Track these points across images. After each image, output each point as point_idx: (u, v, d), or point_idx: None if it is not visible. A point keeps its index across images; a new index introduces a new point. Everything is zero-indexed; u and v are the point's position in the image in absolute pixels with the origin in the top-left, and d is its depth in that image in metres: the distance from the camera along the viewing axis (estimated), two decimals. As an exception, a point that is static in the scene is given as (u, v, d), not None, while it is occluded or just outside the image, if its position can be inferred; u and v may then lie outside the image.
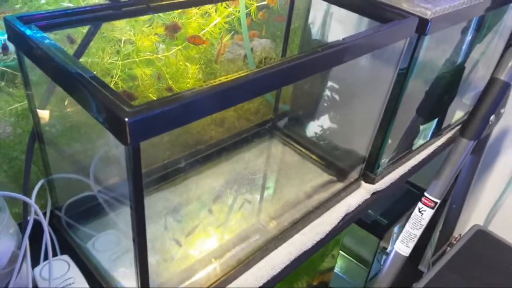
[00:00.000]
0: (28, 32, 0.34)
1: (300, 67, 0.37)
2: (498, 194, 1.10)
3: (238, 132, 0.69)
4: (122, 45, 0.51)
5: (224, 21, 0.57)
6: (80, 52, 0.41)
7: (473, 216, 1.18)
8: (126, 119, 0.26)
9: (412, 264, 1.35)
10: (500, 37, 0.77)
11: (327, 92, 0.69)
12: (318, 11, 0.66)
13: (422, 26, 0.51)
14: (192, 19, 0.54)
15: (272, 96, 0.73)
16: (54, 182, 0.47)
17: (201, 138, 0.65)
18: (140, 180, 0.29)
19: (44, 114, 0.43)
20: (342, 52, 0.41)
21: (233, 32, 0.65)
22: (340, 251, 1.18)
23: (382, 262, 1.27)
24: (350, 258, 1.22)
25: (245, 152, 0.69)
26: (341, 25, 0.65)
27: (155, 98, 0.53)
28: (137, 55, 0.52)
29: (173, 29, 0.50)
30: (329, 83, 0.68)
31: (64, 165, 0.47)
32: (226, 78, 0.32)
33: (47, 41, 0.34)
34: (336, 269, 1.24)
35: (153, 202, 0.57)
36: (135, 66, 0.53)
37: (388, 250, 1.28)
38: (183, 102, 0.29)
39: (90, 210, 0.50)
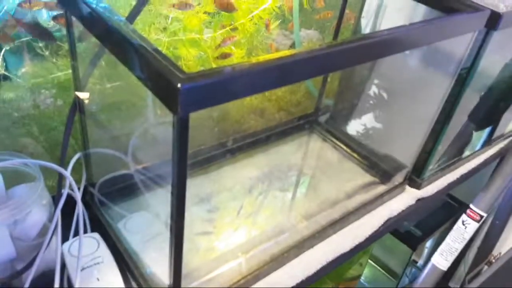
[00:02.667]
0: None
1: (361, 49, 0.34)
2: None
3: (277, 124, 0.66)
4: (169, 22, 0.49)
5: (275, 5, 0.54)
6: (130, 20, 0.39)
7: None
8: (179, 85, 0.24)
9: (441, 279, 1.28)
10: None
11: (375, 89, 0.65)
12: (372, 3, 0.63)
13: (493, 20, 0.46)
14: (242, 0, 0.52)
15: (316, 89, 0.69)
16: (91, 157, 0.46)
17: (240, 127, 0.63)
18: (185, 154, 0.27)
19: (87, 86, 0.41)
20: (406, 37, 0.38)
21: (281, 20, 0.62)
22: (369, 260, 1.13)
23: (410, 276, 1.22)
24: (379, 268, 1.17)
25: (283, 145, 0.66)
26: (398, 17, 0.61)
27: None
28: (184, 33, 0.50)
29: (225, 7, 0.48)
30: (378, 80, 0.65)
31: (102, 141, 0.46)
32: (285, 53, 0.29)
33: (100, 3, 0.32)
34: (362, 279, 1.19)
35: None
36: (181, 45, 0.51)
37: (418, 264, 1.22)
38: (239, 74, 0.26)
39: (125, 189, 0.48)
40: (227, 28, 0.53)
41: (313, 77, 0.34)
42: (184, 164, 0.28)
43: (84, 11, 0.32)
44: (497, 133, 0.74)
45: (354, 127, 0.69)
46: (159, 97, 0.26)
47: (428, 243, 1.16)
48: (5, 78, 0.45)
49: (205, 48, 0.52)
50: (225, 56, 0.54)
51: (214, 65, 0.54)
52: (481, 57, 0.50)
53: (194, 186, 0.57)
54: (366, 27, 0.64)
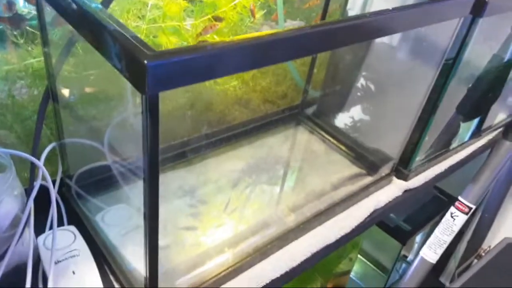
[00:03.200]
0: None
1: (345, 30, 0.33)
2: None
3: (263, 115, 0.65)
4: (148, 9, 0.48)
5: (258, -7, 0.53)
6: (105, 5, 0.37)
7: (504, 228, 1.11)
8: (146, 62, 0.22)
9: (432, 274, 1.28)
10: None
11: (362, 81, 0.64)
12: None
13: (479, 6, 0.46)
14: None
15: (302, 80, 0.68)
16: (67, 148, 0.44)
17: (224, 118, 0.62)
18: (157, 138, 0.26)
19: (62, 74, 0.40)
20: (390, 21, 0.37)
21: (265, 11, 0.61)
22: (358, 255, 1.12)
23: (400, 271, 1.21)
24: (368, 263, 1.17)
25: (269, 137, 0.65)
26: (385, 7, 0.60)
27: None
28: (163, 21, 0.48)
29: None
30: (364, 72, 0.64)
31: (78, 131, 0.44)
32: (260, 34, 0.28)
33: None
34: (352, 274, 1.18)
35: (169, 180, 0.54)
36: (161, 33, 0.49)
37: (408, 259, 1.21)
38: (210, 52, 0.25)
39: (103, 182, 0.47)
40: (209, 16, 0.51)
41: (292, 59, 0.33)
42: (156, 149, 0.27)
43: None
44: (485, 124, 0.73)
45: (340, 119, 0.68)
46: (127, 77, 0.25)
47: (418, 238, 1.16)
48: (-23, 66, 0.44)
49: (186, 37, 0.51)
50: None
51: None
52: (466, 46, 0.50)
53: (178, 178, 0.56)
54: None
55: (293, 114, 0.69)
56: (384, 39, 0.59)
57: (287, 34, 0.29)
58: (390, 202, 0.57)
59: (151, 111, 0.24)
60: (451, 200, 1.03)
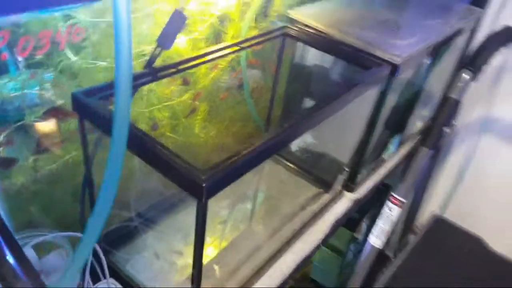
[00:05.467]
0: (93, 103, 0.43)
1: (302, 127, 0.48)
2: (449, 187, 1.28)
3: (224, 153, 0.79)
4: (146, 93, 0.59)
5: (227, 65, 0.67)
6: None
7: (430, 206, 1.36)
8: (204, 185, 0.36)
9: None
10: (450, 61, 0.91)
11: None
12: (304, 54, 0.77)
13: (393, 69, 0.63)
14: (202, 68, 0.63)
15: (261, 118, 0.83)
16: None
17: (203, 159, 0.75)
18: (205, 227, 0.39)
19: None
20: (333, 107, 0.53)
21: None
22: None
23: (353, 250, 1.42)
24: (326, 248, 1.36)
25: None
26: (322, 62, 0.76)
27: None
28: (159, 102, 0.60)
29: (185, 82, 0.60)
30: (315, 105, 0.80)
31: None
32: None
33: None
34: (313, 260, 1.37)
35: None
36: (156, 110, 0.61)
37: (359, 240, 1.43)
38: (233, 166, 0.39)
39: (128, 237, 0.58)
40: (192, 91, 0.64)
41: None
42: (204, 230, 0.40)
43: (103, 121, 0.42)
44: (405, 136, 0.93)
45: (298, 147, 0.84)
46: (186, 190, 0.38)
47: (365, 219, 1.38)
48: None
49: (177, 110, 0.63)
50: (193, 110, 0.66)
51: (185, 122, 0.65)
52: (387, 93, 0.67)
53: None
54: (301, 68, 0.78)
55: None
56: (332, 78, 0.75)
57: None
58: (345, 213, 0.74)
59: (204, 211, 0.38)
60: (387, 188, 1.25)
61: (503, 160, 1.18)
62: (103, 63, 0.54)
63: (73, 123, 0.51)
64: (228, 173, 0.38)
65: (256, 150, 0.41)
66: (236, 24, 0.68)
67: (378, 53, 0.64)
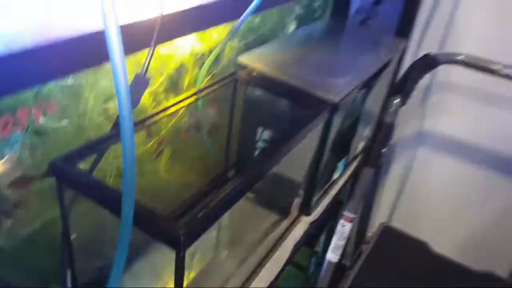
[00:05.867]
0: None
1: (268, 168, 0.54)
2: (393, 197, 1.40)
3: (198, 187, 0.84)
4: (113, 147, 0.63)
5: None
6: (92, 169, 0.53)
7: (379, 216, 1.47)
8: (182, 238, 0.41)
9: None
10: (382, 88, 1.03)
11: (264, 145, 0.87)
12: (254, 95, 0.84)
13: (333, 108, 0.72)
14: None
15: (221, 151, 0.89)
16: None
17: (169, 201, 0.79)
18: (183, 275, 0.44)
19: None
20: (289, 146, 0.60)
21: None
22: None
23: (314, 263, 1.51)
24: (289, 266, 1.44)
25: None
26: (271, 102, 0.84)
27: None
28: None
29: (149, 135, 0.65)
30: (267, 139, 0.87)
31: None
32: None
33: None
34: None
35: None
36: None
37: (318, 253, 1.52)
38: (208, 215, 0.45)
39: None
40: (156, 139, 0.69)
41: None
42: (183, 279, 0.45)
43: (80, 183, 0.46)
44: (350, 157, 1.03)
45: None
46: (164, 243, 0.43)
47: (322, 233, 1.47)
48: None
49: (143, 158, 0.68)
50: (160, 152, 0.71)
51: (151, 167, 0.70)
52: (330, 126, 0.76)
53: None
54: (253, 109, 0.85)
55: (219, 181, 0.89)
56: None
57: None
58: (303, 236, 0.81)
59: (182, 261, 0.43)
60: (340, 202, 1.35)
61: (437, 168, 1.32)
62: (68, 124, 0.57)
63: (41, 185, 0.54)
64: (204, 222, 0.43)
65: (228, 196, 0.47)
66: (191, 72, 0.74)
67: (319, 93, 0.72)
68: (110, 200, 0.45)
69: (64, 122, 0.58)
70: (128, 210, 0.38)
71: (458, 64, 0.95)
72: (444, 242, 1.31)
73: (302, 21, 1.01)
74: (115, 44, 0.35)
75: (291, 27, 0.99)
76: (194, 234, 0.42)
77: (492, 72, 0.92)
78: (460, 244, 1.36)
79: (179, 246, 0.41)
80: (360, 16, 1.07)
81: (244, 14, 0.67)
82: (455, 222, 1.35)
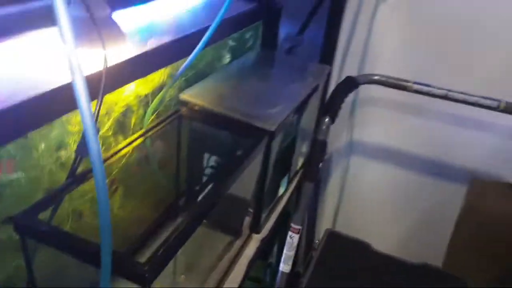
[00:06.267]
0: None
1: (218, 196, 0.61)
2: (335, 203, 1.52)
3: (152, 220, 0.89)
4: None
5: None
6: (53, 215, 0.57)
7: (324, 223, 1.59)
8: (146, 275, 0.46)
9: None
10: (314, 109, 1.14)
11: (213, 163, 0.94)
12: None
13: (270, 136, 0.80)
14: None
15: (172, 181, 0.94)
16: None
17: (126, 230, 0.83)
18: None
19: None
20: (235, 175, 0.67)
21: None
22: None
23: (269, 274, 1.58)
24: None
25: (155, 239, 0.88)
26: (214, 133, 0.91)
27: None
28: (81, 196, 0.68)
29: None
30: (213, 169, 0.93)
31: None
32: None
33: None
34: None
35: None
36: (79, 205, 0.69)
37: (272, 263, 1.59)
38: (168, 251, 0.50)
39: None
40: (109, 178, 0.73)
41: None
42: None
43: (44, 235, 0.50)
44: (292, 173, 1.12)
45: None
46: (130, 280, 0.47)
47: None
48: None
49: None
50: (114, 191, 0.76)
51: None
52: (270, 152, 0.84)
53: None
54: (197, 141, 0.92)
55: (171, 209, 0.94)
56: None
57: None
58: (255, 252, 0.88)
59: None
60: (288, 215, 1.44)
61: (369, 174, 1.46)
62: (23, 175, 0.60)
63: None
64: (165, 258, 0.49)
65: (184, 230, 0.53)
66: (136, 113, 0.79)
67: (257, 123, 0.80)
68: (80, 249, 0.49)
69: (19, 175, 0.61)
70: (106, 258, 0.43)
71: (375, 83, 1.08)
72: (383, 241, 1.44)
73: (235, 52, 1.09)
74: (83, 100, 0.39)
75: (226, 59, 1.07)
76: (156, 270, 0.48)
77: (404, 88, 1.06)
78: (397, 240, 1.50)
79: (144, 282, 0.46)
80: (287, 44, 1.17)
81: (186, 62, 0.74)
82: (390, 221, 1.50)
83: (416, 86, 1.04)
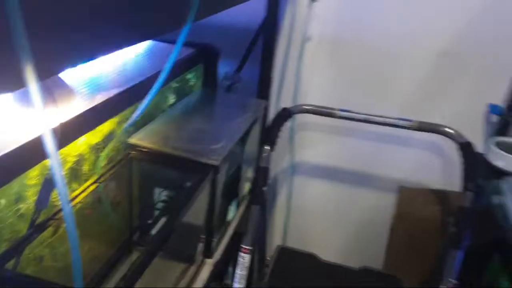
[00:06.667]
0: None
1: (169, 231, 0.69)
2: (283, 221, 1.64)
3: (106, 257, 0.95)
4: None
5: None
6: (17, 264, 0.62)
7: (275, 239, 1.70)
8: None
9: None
10: (255, 139, 1.26)
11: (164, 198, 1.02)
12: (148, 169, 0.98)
13: (215, 169, 0.90)
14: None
15: (125, 219, 1.01)
16: None
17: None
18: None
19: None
20: (185, 210, 0.76)
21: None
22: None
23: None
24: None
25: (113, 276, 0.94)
26: (164, 171, 0.99)
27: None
28: (40, 244, 0.74)
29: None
30: (164, 204, 1.01)
31: None
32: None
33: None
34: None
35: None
36: (39, 250, 0.74)
37: (228, 284, 1.67)
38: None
39: None
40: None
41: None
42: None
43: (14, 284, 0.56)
44: (240, 198, 1.22)
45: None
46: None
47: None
48: None
49: (56, 244, 0.77)
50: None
51: (65, 246, 0.79)
52: (216, 183, 0.94)
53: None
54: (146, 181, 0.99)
55: (125, 246, 1.00)
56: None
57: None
58: (209, 277, 0.97)
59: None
60: (240, 235, 1.54)
61: (311, 190, 1.60)
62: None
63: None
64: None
65: (140, 265, 0.61)
66: (89, 160, 0.86)
67: (203, 159, 0.90)
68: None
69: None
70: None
71: (306, 112, 1.22)
72: (329, 250, 1.57)
73: (179, 92, 1.18)
74: (53, 154, 0.46)
75: (171, 99, 1.16)
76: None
77: (331, 115, 1.20)
78: (341, 248, 1.64)
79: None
80: (227, 83, 1.29)
81: (136, 113, 0.82)
82: (333, 232, 1.64)
83: (341, 113, 1.19)
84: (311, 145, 1.53)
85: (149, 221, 1.02)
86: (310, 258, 1.49)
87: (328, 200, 1.60)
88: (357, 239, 1.63)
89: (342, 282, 1.38)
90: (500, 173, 1.11)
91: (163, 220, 0.99)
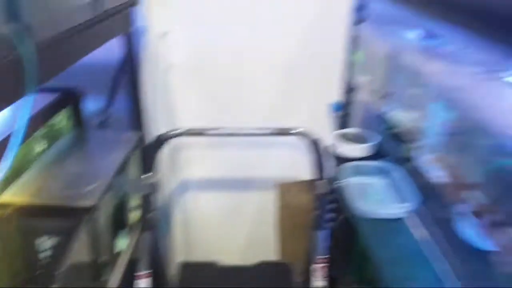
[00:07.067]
0: None
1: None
2: (181, 238, 1.74)
3: None
4: None
5: None
6: None
7: (178, 257, 1.79)
8: None
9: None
10: (136, 167, 1.33)
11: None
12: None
13: (92, 210, 0.96)
14: None
15: (8, 275, 1.01)
16: None
17: None
18: None
19: None
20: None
21: None
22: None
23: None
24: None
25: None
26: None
27: None
28: None
29: None
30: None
31: None
32: None
33: None
34: None
35: None
36: None
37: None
38: None
39: None
40: None
41: None
42: None
43: None
44: (129, 228, 1.29)
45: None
46: None
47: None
48: None
49: None
50: None
51: None
52: (95, 221, 1.00)
53: None
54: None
55: None
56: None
57: None
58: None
59: None
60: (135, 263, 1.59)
61: (203, 202, 1.73)
62: None
63: None
64: None
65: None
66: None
67: (78, 203, 0.95)
68: None
69: None
70: None
71: (181, 136, 1.32)
72: (230, 254, 1.72)
73: (50, 138, 1.20)
74: None
75: (42, 147, 1.17)
76: None
77: (202, 135, 1.33)
78: (240, 250, 1.80)
79: None
80: (98, 119, 1.33)
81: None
82: (230, 236, 1.79)
83: (210, 132, 1.33)
84: (197, 162, 1.65)
85: (35, 273, 1.04)
86: (210, 267, 1.61)
87: (220, 208, 1.74)
88: (251, 237, 1.79)
89: (240, 281, 1.53)
90: (344, 160, 1.34)
91: (46, 270, 1.02)
